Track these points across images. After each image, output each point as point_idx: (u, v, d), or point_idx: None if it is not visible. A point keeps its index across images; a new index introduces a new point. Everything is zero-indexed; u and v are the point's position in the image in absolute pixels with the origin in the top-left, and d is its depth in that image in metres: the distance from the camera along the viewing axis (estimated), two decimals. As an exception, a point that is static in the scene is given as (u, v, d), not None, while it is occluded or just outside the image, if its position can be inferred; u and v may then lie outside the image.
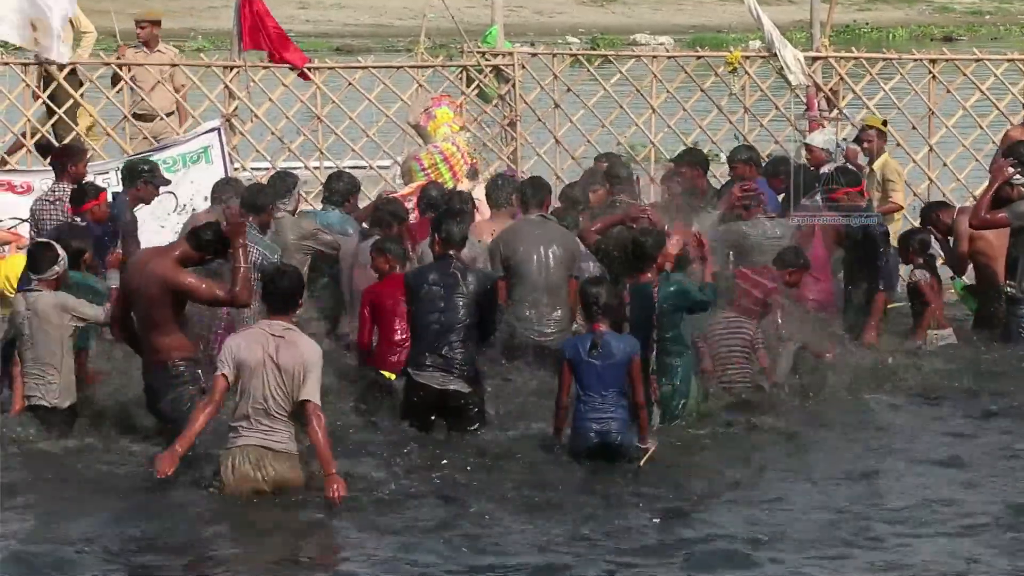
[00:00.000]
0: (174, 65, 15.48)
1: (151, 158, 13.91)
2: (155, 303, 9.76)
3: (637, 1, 48.90)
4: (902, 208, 14.52)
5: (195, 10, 44.37)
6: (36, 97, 14.77)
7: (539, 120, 15.82)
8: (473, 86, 15.60)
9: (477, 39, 16.07)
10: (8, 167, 14.92)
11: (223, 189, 12.66)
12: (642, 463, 9.76)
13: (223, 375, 9.29)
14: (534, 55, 16.16)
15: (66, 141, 14.51)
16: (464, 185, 13.68)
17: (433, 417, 10.27)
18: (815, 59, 16.07)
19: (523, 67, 15.69)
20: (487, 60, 15.65)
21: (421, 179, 13.72)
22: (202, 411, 9.34)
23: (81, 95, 14.93)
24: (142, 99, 15.14)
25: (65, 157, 13.17)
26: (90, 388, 10.69)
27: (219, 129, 14.80)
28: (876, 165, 14.20)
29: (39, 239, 10.73)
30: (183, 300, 9.85)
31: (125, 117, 15.07)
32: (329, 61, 15.76)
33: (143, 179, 12.35)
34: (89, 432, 10.31)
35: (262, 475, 9.24)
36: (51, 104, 14.82)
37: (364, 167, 15.14)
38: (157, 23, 15.98)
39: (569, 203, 12.66)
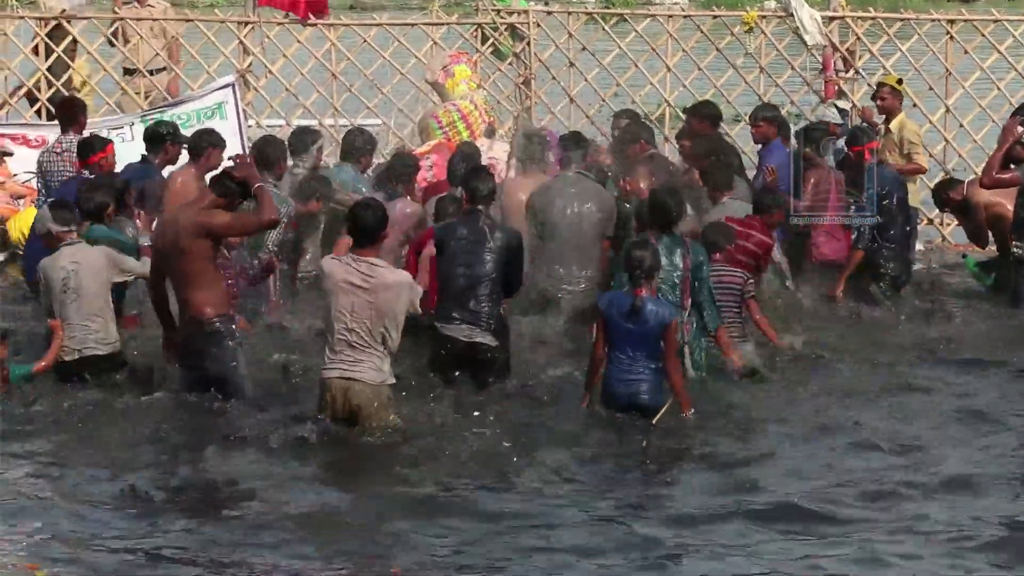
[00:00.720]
0: (190, 20, 15.44)
1: (166, 114, 13.92)
2: (189, 256, 9.66)
3: (653, -40, 48.57)
4: (925, 170, 14.47)
5: (209, -34, 44.20)
6: (39, 51, 14.74)
7: (553, 78, 15.78)
8: (488, 44, 15.56)
9: (492, -4, 16.02)
10: (23, 121, 14.91)
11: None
12: (655, 420, 9.75)
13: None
14: (549, 13, 16.10)
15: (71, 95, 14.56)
16: (482, 143, 13.66)
17: (458, 371, 10.26)
18: (832, 19, 16.00)
19: (538, 25, 15.64)
20: (502, 18, 15.60)
21: (439, 137, 13.70)
22: None
23: (74, 49, 14.91)
24: (131, 54, 15.14)
25: (71, 109, 13.15)
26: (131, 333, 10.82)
27: (233, 85, 14.78)
28: (893, 125, 14.14)
29: (54, 201, 10.65)
30: (216, 251, 9.81)
31: (140, 71, 15.04)
32: (344, 18, 15.71)
33: (169, 141, 12.19)
34: (134, 378, 10.39)
35: (349, 407, 9.38)
36: (65, 56, 14.80)
37: (378, 124, 15.12)
38: None
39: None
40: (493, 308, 10.27)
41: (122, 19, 15.23)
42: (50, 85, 14.85)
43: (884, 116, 14.21)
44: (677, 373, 9.90)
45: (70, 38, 14.85)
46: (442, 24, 15.66)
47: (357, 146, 12.71)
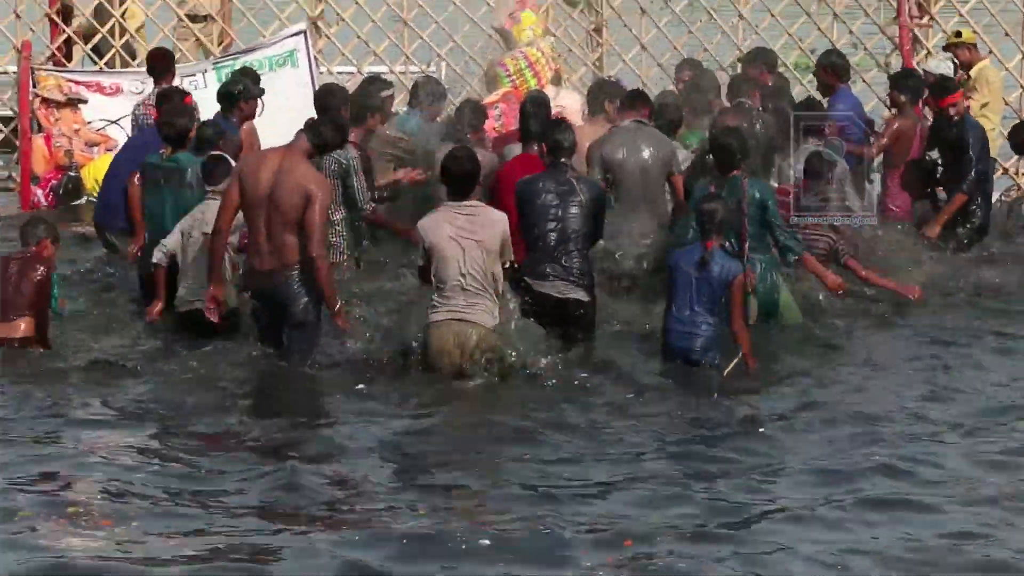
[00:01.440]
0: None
1: (239, 61, 13.95)
2: (294, 208, 9.59)
3: (725, -99, 48.10)
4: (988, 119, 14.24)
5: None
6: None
7: (625, 26, 15.70)
8: (560, -9, 15.49)
9: (564, -57, 15.93)
10: (97, 68, 15.00)
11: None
12: (726, 372, 9.76)
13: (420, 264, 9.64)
14: (621, -40, 16.01)
15: (59, 40, 14.67)
16: (549, 91, 13.59)
17: (549, 327, 10.17)
18: (907, -35, 15.81)
19: (610, -28, 15.56)
20: (575, -36, 15.53)
21: (507, 85, 13.65)
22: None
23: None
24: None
25: (165, 60, 13.12)
26: None
27: (305, 32, 14.79)
28: (973, 72, 14.07)
29: (216, 153, 10.68)
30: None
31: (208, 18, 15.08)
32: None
33: (242, 99, 12.02)
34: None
35: (461, 350, 9.53)
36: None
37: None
38: None
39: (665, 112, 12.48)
40: (584, 263, 10.28)
41: (195, -34, 15.27)
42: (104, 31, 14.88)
43: (966, 68, 14.13)
44: (744, 331, 9.89)
45: None
46: (514, -30, 15.59)
47: (426, 94, 12.72)
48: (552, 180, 10.32)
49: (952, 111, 12.65)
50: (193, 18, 15.38)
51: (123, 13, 14.99)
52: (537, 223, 10.23)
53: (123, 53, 15.07)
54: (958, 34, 14.39)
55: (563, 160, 10.40)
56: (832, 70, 13.00)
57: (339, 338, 10.06)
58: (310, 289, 9.70)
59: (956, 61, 14.20)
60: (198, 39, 15.32)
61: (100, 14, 15.13)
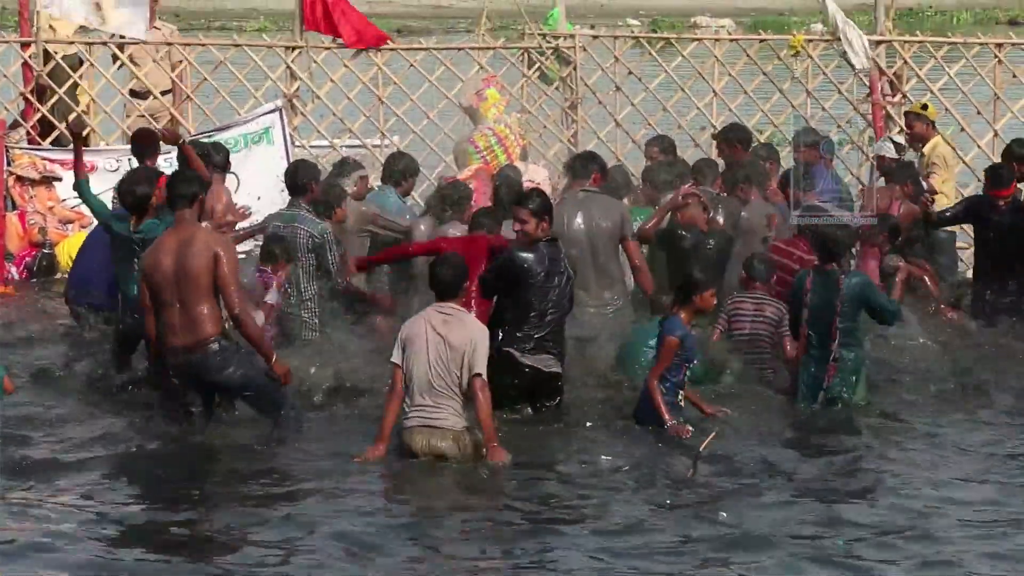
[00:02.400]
0: (238, 45, 15.48)
1: (213, 138, 13.97)
2: (205, 272, 9.59)
3: (698, -17, 48.61)
4: (938, 193, 14.08)
5: (257, -10, 44.49)
6: (32, 76, 14.80)
7: (600, 103, 15.80)
8: (534, 68, 15.59)
9: (539, 21, 16.05)
10: (71, 147, 14.99)
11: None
12: (702, 447, 9.70)
13: (396, 364, 9.61)
14: (595, 37, 16.14)
15: (71, 117, 14.63)
16: (518, 165, 13.67)
17: (528, 399, 10.34)
18: (879, 42, 15.95)
19: (584, 49, 15.67)
20: (548, 42, 15.63)
21: (477, 162, 13.71)
22: (390, 404, 9.64)
23: (80, 76, 14.95)
24: (137, 77, 15.19)
25: (149, 139, 13.14)
26: None
27: (280, 110, 14.84)
28: (926, 149, 14.15)
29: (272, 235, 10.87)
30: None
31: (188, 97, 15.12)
32: (391, 42, 15.79)
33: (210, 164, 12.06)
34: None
35: (430, 452, 9.53)
36: (51, 84, 14.86)
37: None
38: None
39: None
40: (562, 337, 10.38)
41: (171, 44, 15.29)
42: (51, 109, 14.86)
43: (920, 143, 14.20)
44: (654, 388, 10.04)
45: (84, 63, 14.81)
46: (488, 48, 15.70)
47: (398, 169, 12.80)
48: (549, 257, 10.32)
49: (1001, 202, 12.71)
50: (139, 95, 15.36)
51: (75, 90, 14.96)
52: (532, 298, 10.25)
53: (97, 131, 15.08)
54: (924, 107, 14.49)
55: (557, 238, 10.45)
56: (812, 147, 13.09)
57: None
58: (232, 354, 9.66)
59: (908, 133, 14.31)
60: (142, 115, 15.29)
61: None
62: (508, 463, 9.51)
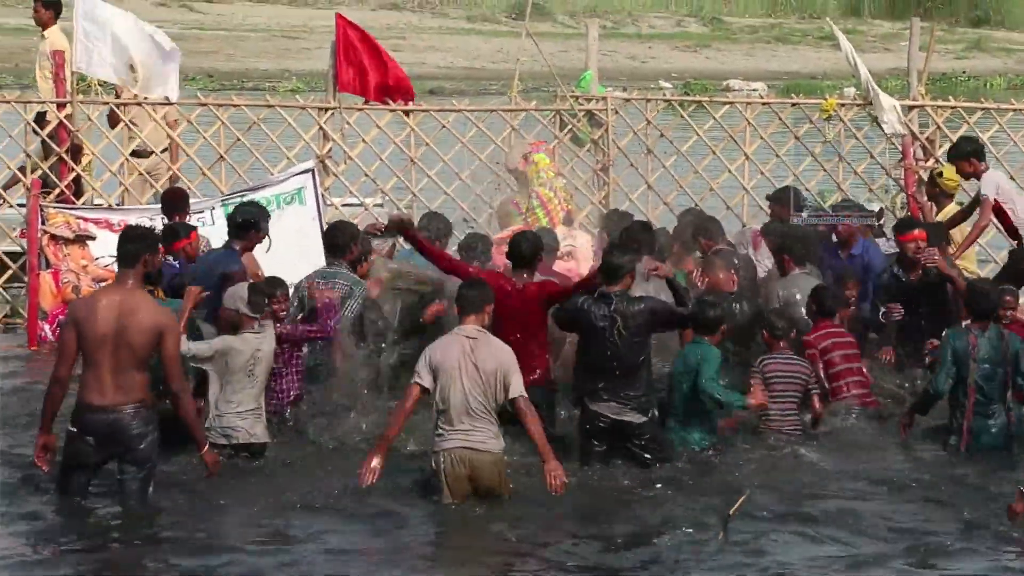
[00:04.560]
0: (271, 106, 15.57)
1: (246, 198, 14.02)
2: (146, 346, 9.45)
3: (730, 47, 48.83)
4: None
5: (289, 51, 44.77)
6: (36, 134, 14.86)
7: (631, 165, 15.81)
8: (566, 130, 15.61)
9: (571, 83, 16.09)
10: (106, 206, 15.08)
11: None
12: (732, 512, 9.64)
13: (417, 384, 9.78)
14: (627, 100, 16.16)
15: (69, 178, 14.75)
16: (560, 231, 13.69)
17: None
18: (912, 107, 15.95)
19: (616, 112, 15.70)
20: (580, 104, 15.67)
21: (519, 222, 13.77)
22: (397, 417, 9.86)
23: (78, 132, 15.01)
24: (134, 137, 15.24)
25: (178, 198, 13.27)
26: None
27: (313, 170, 14.89)
28: (941, 216, 14.09)
29: (253, 285, 10.78)
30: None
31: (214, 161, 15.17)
32: (423, 103, 15.84)
33: (255, 229, 12.14)
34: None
35: (468, 476, 9.71)
36: (48, 142, 14.93)
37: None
38: None
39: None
40: (639, 385, 10.50)
41: (204, 104, 15.38)
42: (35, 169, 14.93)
43: (932, 205, 14.21)
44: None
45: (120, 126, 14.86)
46: (521, 110, 15.74)
47: (431, 229, 12.85)
48: (602, 304, 10.41)
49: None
50: (139, 154, 15.45)
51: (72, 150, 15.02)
52: (589, 345, 10.42)
53: (99, 190, 15.14)
54: (940, 174, 14.48)
55: (615, 284, 10.46)
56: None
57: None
58: (152, 427, 9.50)
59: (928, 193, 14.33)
60: (141, 175, 15.36)
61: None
62: (563, 482, 9.70)
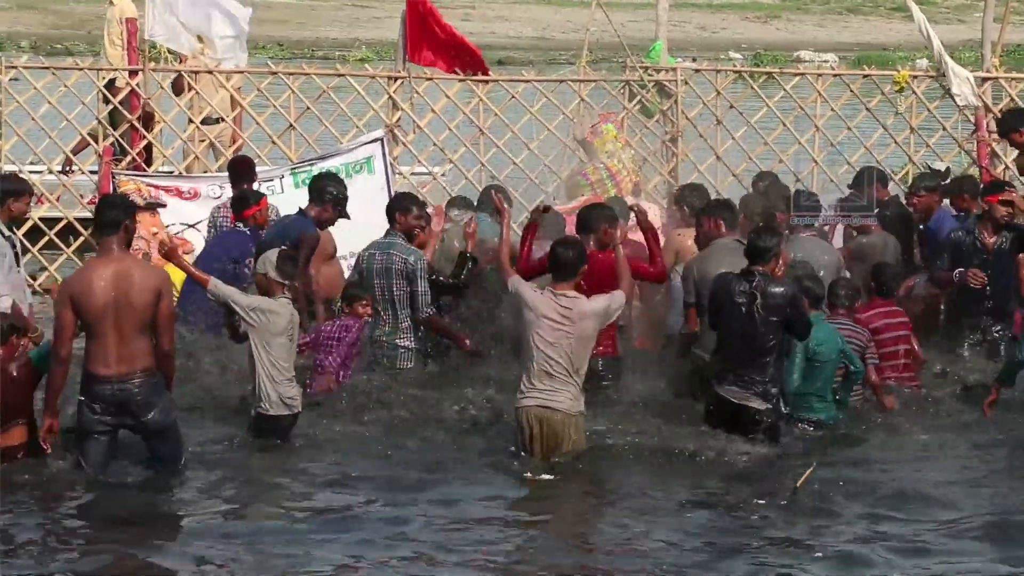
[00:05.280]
0: (340, 75, 15.61)
1: (315, 167, 14.08)
2: (147, 308, 9.46)
3: (801, 18, 48.52)
4: None
5: (359, 20, 44.89)
6: (107, 101, 14.93)
7: (700, 136, 15.74)
8: (635, 101, 15.56)
9: (640, 54, 16.03)
10: (176, 173, 15.18)
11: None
12: (799, 484, 9.64)
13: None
14: (697, 71, 16.09)
15: (141, 146, 14.82)
16: (628, 201, 13.67)
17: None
18: (985, 79, 15.79)
19: (686, 83, 15.62)
20: (650, 75, 15.61)
21: (587, 193, 13.79)
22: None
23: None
24: (197, 104, 15.28)
25: (245, 165, 13.34)
26: None
27: (383, 140, 14.92)
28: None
29: (284, 250, 10.73)
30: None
31: (291, 126, 15.24)
32: (492, 74, 15.84)
33: (331, 202, 12.22)
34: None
35: (544, 436, 9.85)
36: (121, 109, 14.98)
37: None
38: None
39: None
40: (765, 370, 10.42)
41: (275, 73, 15.44)
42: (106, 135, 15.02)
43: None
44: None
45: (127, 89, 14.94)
46: (590, 81, 15.70)
47: (492, 199, 12.93)
48: (743, 283, 10.40)
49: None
50: (207, 121, 15.54)
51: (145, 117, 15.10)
52: (723, 324, 10.42)
53: (170, 158, 15.26)
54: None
55: (758, 266, 10.43)
56: (932, 191, 12.94)
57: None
58: (163, 392, 9.54)
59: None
60: (210, 142, 15.45)
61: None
62: None
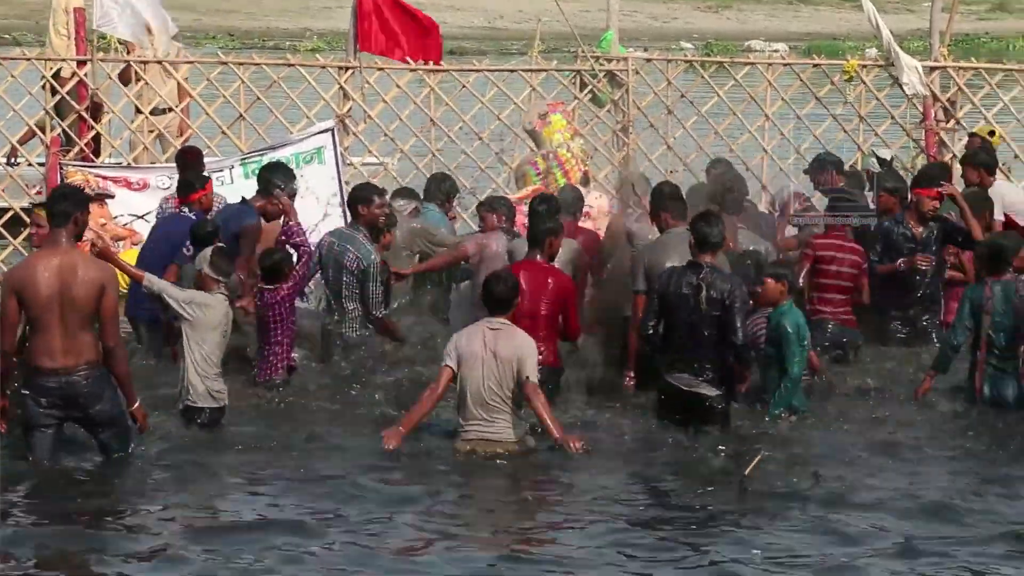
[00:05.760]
0: (291, 65, 15.54)
1: (265, 157, 14.03)
2: (90, 302, 9.35)
3: (752, 8, 48.66)
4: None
5: (309, 10, 44.72)
6: (54, 92, 14.80)
7: (651, 126, 15.77)
8: (587, 91, 15.57)
9: (592, 43, 16.05)
10: (125, 164, 15.09)
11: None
12: (747, 472, 9.66)
13: (448, 366, 9.96)
14: (648, 60, 16.12)
15: (89, 136, 14.73)
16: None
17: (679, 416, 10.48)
18: (933, 68, 15.88)
19: (637, 72, 15.65)
20: (601, 65, 15.62)
21: (536, 183, 13.81)
22: (429, 397, 10.01)
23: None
24: (144, 95, 15.27)
25: (193, 156, 13.28)
26: None
27: (333, 130, 14.87)
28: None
29: (217, 247, 10.75)
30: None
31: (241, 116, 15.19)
32: (443, 63, 15.81)
33: (278, 190, 12.18)
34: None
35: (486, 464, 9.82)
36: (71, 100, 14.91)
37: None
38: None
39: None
40: (716, 358, 10.47)
41: (225, 63, 15.36)
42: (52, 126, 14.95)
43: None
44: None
45: (75, 80, 14.87)
46: (541, 70, 15.70)
47: (443, 190, 13.32)
48: (691, 274, 10.42)
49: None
50: (153, 112, 15.46)
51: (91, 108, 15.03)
52: (669, 315, 10.43)
53: (151, 149, 15.19)
54: (991, 133, 14.42)
55: (707, 255, 10.47)
56: (892, 193, 12.98)
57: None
58: (109, 383, 9.48)
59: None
60: (159, 133, 15.40)
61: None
62: (585, 446, 9.89)
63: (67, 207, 9.50)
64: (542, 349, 10.37)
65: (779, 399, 10.64)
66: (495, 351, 9.87)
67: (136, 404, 9.63)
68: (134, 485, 9.56)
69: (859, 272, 12.17)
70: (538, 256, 11.12)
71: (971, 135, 14.48)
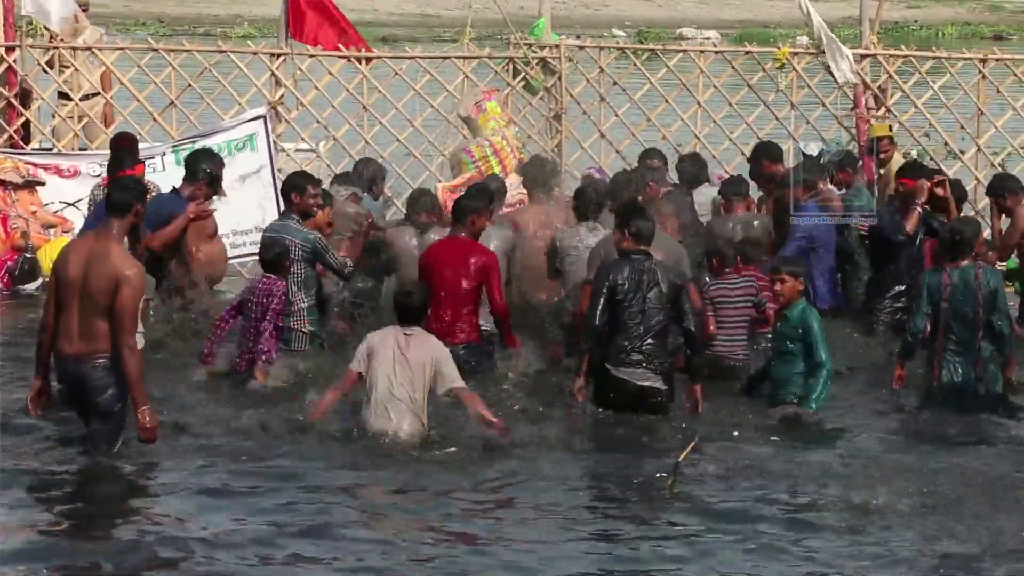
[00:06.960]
0: (223, 51, 15.47)
1: (197, 144, 13.96)
2: (103, 294, 9.30)
3: (684, -5, 48.80)
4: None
5: (242, -3, 44.51)
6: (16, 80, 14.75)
7: (584, 113, 15.80)
8: (519, 78, 15.58)
9: (524, 31, 16.05)
10: (55, 151, 14.98)
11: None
12: (681, 458, 9.69)
13: (355, 370, 10.04)
14: (581, 48, 16.14)
15: (18, 123, 14.66)
16: (512, 179, 13.71)
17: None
18: (863, 56, 15.97)
19: (569, 59, 15.66)
20: (534, 52, 15.63)
21: (471, 171, 13.81)
22: (331, 393, 10.12)
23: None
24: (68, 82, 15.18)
25: (129, 143, 13.19)
26: None
27: (265, 117, 14.82)
28: (888, 168, 14.18)
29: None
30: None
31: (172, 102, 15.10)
32: (376, 50, 15.75)
33: (205, 180, 12.21)
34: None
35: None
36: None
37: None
38: (85, 7, 16.07)
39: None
40: (662, 350, 10.50)
41: (155, 50, 15.27)
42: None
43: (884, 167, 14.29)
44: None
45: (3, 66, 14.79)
46: (474, 58, 15.69)
47: (368, 175, 13.26)
48: (632, 267, 10.42)
49: None
50: (69, 97, 15.34)
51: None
52: (616, 309, 10.37)
53: (81, 136, 15.08)
54: (890, 127, 14.62)
55: (642, 248, 10.48)
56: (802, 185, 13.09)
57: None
58: (117, 378, 9.35)
59: (881, 157, 14.38)
60: (87, 118, 15.32)
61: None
62: (508, 434, 9.97)
63: (129, 197, 9.51)
64: (464, 327, 10.59)
65: (820, 391, 10.65)
66: (407, 355, 9.94)
67: (144, 407, 9.36)
68: (115, 490, 9.42)
69: (756, 292, 11.79)
70: (461, 233, 11.16)
71: (879, 139, 14.61)
